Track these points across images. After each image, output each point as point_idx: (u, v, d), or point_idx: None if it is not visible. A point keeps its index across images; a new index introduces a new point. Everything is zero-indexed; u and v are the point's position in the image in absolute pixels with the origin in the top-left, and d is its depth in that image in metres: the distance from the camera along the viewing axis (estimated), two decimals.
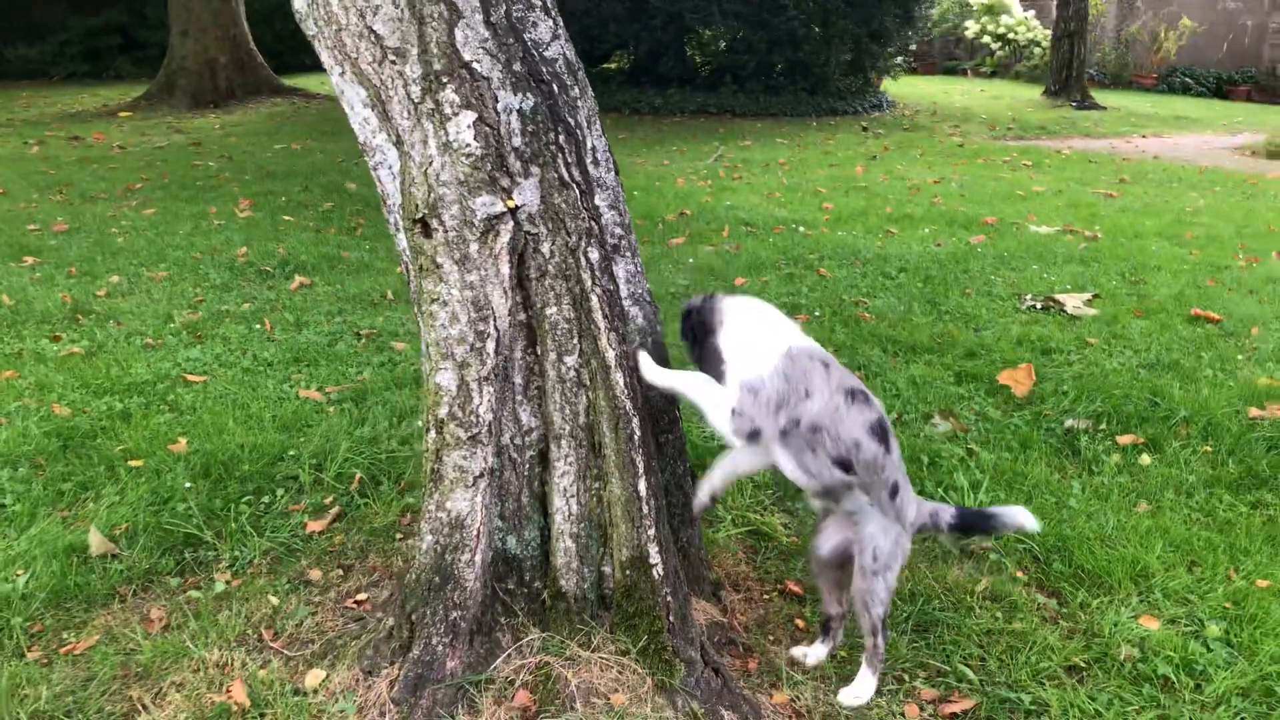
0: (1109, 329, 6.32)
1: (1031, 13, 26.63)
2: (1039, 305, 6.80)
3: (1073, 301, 6.80)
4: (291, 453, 4.33)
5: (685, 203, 10.02)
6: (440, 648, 2.76)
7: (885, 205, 10.11)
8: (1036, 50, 25.73)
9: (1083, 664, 3.11)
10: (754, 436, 2.72)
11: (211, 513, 3.81)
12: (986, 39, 26.97)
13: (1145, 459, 4.49)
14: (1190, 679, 3.03)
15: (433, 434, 2.77)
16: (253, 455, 4.27)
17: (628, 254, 2.94)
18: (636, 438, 2.78)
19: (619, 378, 2.75)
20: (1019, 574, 3.60)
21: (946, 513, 2.98)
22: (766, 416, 2.69)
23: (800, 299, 6.91)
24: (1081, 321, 6.48)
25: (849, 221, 9.37)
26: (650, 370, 2.85)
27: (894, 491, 2.82)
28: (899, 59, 20.95)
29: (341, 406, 4.88)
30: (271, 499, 3.96)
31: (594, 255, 2.71)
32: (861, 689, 2.91)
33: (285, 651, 3.03)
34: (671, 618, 2.82)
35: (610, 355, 2.74)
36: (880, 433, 2.76)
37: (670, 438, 3.12)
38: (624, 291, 2.93)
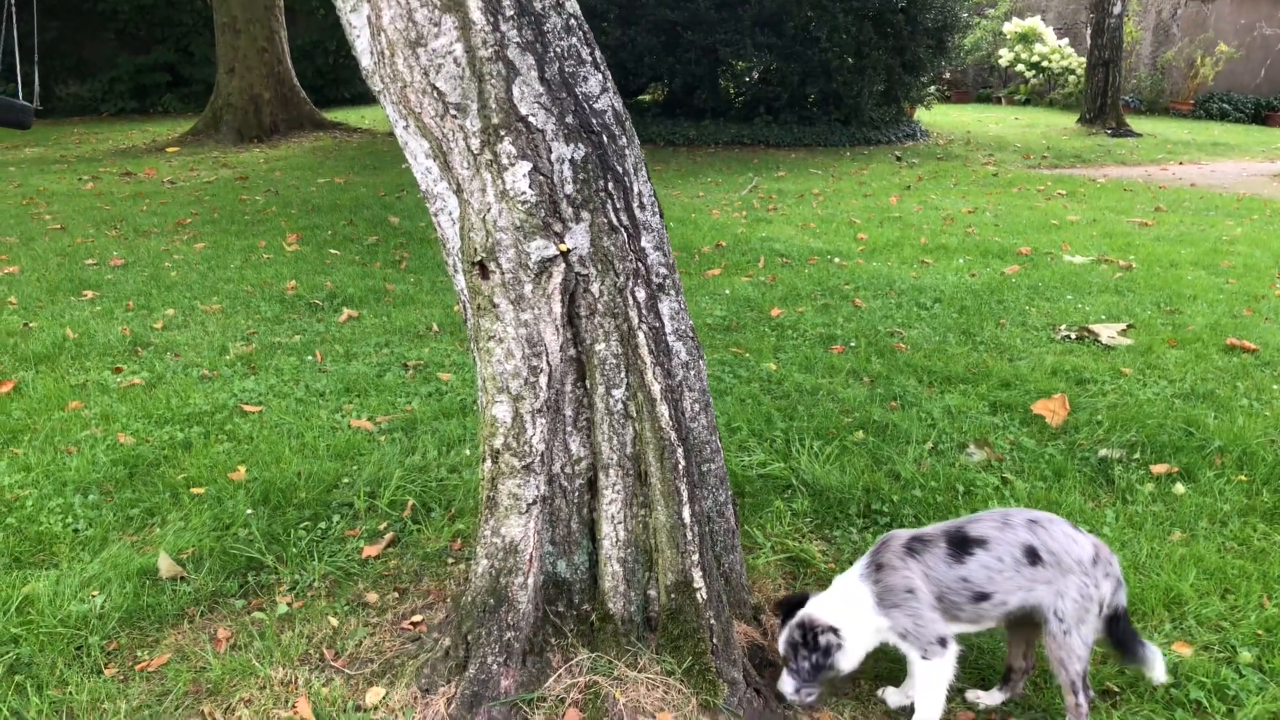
0: (1143, 359, 6.38)
1: (1065, 40, 26.69)
2: (1073, 335, 6.87)
3: (1107, 332, 6.87)
4: (346, 480, 4.51)
5: (721, 234, 10.18)
6: (495, 667, 2.91)
7: (920, 235, 10.21)
8: (1071, 78, 25.77)
9: (1116, 688, 3.19)
10: (944, 642, 2.91)
11: (271, 538, 3.99)
12: (1020, 67, 27.04)
13: (1179, 488, 4.56)
14: (1222, 704, 3.10)
15: (488, 463, 2.93)
16: (309, 483, 4.45)
17: (672, 292, 3.09)
18: (681, 467, 2.92)
19: (664, 410, 2.90)
20: None
21: (1122, 598, 2.98)
22: (928, 629, 2.89)
23: (836, 329, 7.03)
24: (1116, 351, 6.55)
25: (884, 252, 9.49)
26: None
27: (1031, 557, 2.87)
28: (932, 88, 21.07)
29: (392, 436, 5.06)
30: (328, 525, 4.13)
31: (640, 294, 2.87)
32: (994, 695, 3.04)
33: (346, 670, 3.18)
34: (715, 639, 2.95)
35: (655, 389, 2.89)
36: (960, 548, 2.91)
37: (712, 467, 3.26)
38: (669, 328, 3.07)
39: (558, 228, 2.79)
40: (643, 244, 2.97)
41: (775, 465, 4.74)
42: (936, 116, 22.71)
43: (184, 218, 11.40)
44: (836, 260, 9.11)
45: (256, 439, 5.02)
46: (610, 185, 2.83)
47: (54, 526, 4.06)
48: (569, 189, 2.79)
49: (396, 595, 3.62)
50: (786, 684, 2.98)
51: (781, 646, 3.01)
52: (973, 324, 7.14)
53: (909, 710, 3.01)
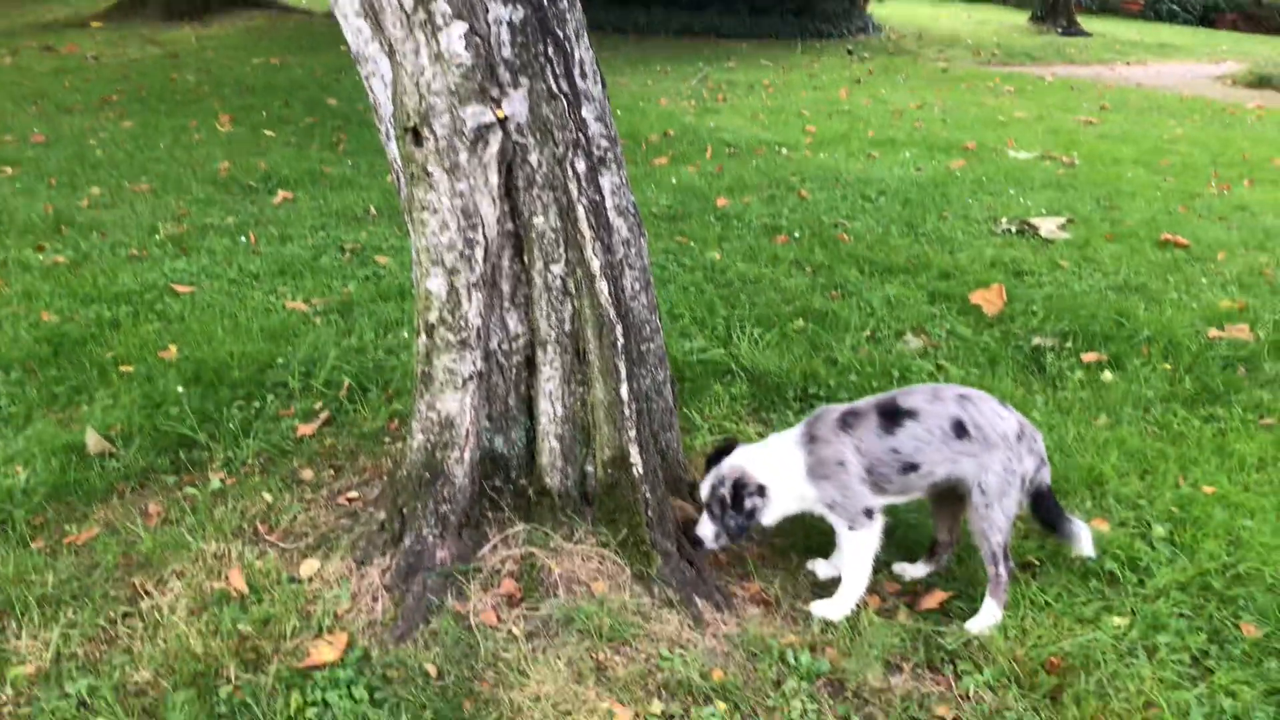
0: (1080, 252, 6.46)
1: None
2: (1014, 229, 6.93)
3: (1047, 226, 6.93)
4: (280, 361, 4.43)
5: (669, 123, 10.02)
6: (430, 539, 2.92)
7: (868, 129, 10.16)
8: None
9: (1037, 561, 3.30)
10: (870, 513, 2.98)
11: (204, 416, 3.93)
12: None
13: (1107, 375, 4.67)
14: (1134, 575, 3.23)
15: (423, 338, 2.88)
16: (242, 363, 4.38)
17: (613, 166, 3.03)
18: (620, 344, 2.90)
19: (603, 286, 2.86)
20: None
21: (1046, 476, 3.06)
22: (857, 501, 2.96)
23: (781, 220, 7.00)
24: (1054, 245, 6.62)
25: (831, 144, 9.43)
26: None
27: (958, 430, 2.93)
28: None
29: (328, 318, 4.98)
30: (262, 404, 4.08)
31: (580, 166, 2.81)
32: (987, 617, 2.98)
33: (281, 544, 3.18)
34: (650, 513, 2.98)
35: (595, 265, 2.85)
36: (891, 419, 2.95)
37: (652, 346, 3.25)
38: (610, 203, 3.02)
39: (495, 93, 2.70)
40: (583, 114, 2.89)
41: (716, 351, 4.75)
42: (891, 10, 22.39)
43: (110, 95, 10.93)
44: (784, 151, 9.04)
45: (188, 319, 4.91)
46: (550, 50, 2.74)
47: None
48: (506, 52, 2.69)
49: (332, 472, 3.60)
50: (706, 530, 3.03)
51: (705, 492, 3.05)
52: (916, 216, 7.16)
53: (838, 581, 3.09)
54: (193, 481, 3.54)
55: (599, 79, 2.98)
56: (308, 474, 3.59)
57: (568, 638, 2.78)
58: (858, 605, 3.01)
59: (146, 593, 2.97)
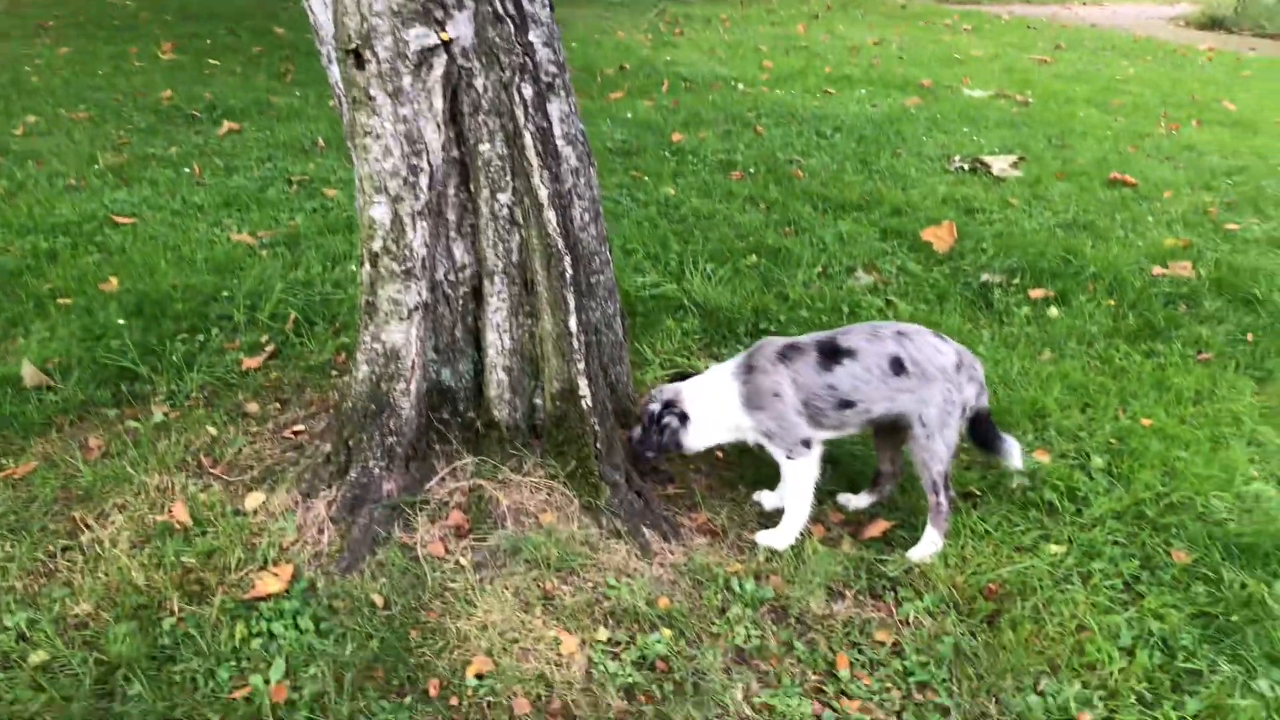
0: (1031, 190, 6.50)
1: None
2: (966, 167, 6.95)
3: (999, 164, 6.95)
4: (225, 294, 4.35)
5: (625, 57, 9.87)
6: (377, 471, 2.90)
7: (824, 65, 10.08)
8: None
9: (978, 491, 3.36)
10: (808, 444, 3.01)
11: (146, 349, 3.85)
12: None
13: (1053, 311, 4.72)
14: (1072, 505, 3.30)
15: (367, 268, 2.84)
16: (186, 295, 4.29)
17: (562, 93, 2.98)
18: (568, 276, 2.87)
19: (551, 216, 2.82)
20: None
21: (984, 401, 3.11)
22: (792, 433, 2.99)
23: (736, 155, 6.96)
24: (1006, 183, 6.65)
25: (788, 81, 9.35)
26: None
27: (896, 367, 2.96)
28: None
29: (274, 250, 4.89)
30: (206, 337, 4.01)
31: (527, 91, 2.75)
32: (928, 545, 3.03)
33: (225, 477, 3.14)
34: (599, 445, 2.99)
35: (543, 194, 2.81)
36: (830, 357, 2.98)
37: (601, 278, 3.23)
38: (558, 131, 2.97)
39: (439, 14, 2.63)
40: (530, 38, 2.82)
41: (668, 286, 4.73)
42: None
43: (45, 20, 10.52)
44: (740, 87, 8.95)
45: (129, 251, 4.79)
46: None
47: None
48: None
49: (278, 406, 3.56)
50: (636, 433, 3.12)
51: (642, 407, 3.12)
52: (870, 153, 7.15)
53: (783, 512, 3.13)
54: (135, 415, 3.48)
55: (547, 2, 2.91)
56: (253, 407, 3.54)
57: (515, 568, 2.80)
58: (801, 534, 3.05)
59: (87, 526, 2.92)
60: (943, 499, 3.03)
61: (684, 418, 3.02)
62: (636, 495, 3.04)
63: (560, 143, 3.00)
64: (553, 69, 2.94)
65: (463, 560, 2.81)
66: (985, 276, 5.06)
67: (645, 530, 2.98)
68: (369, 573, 2.76)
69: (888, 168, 6.85)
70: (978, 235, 5.57)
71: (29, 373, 3.57)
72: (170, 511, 2.94)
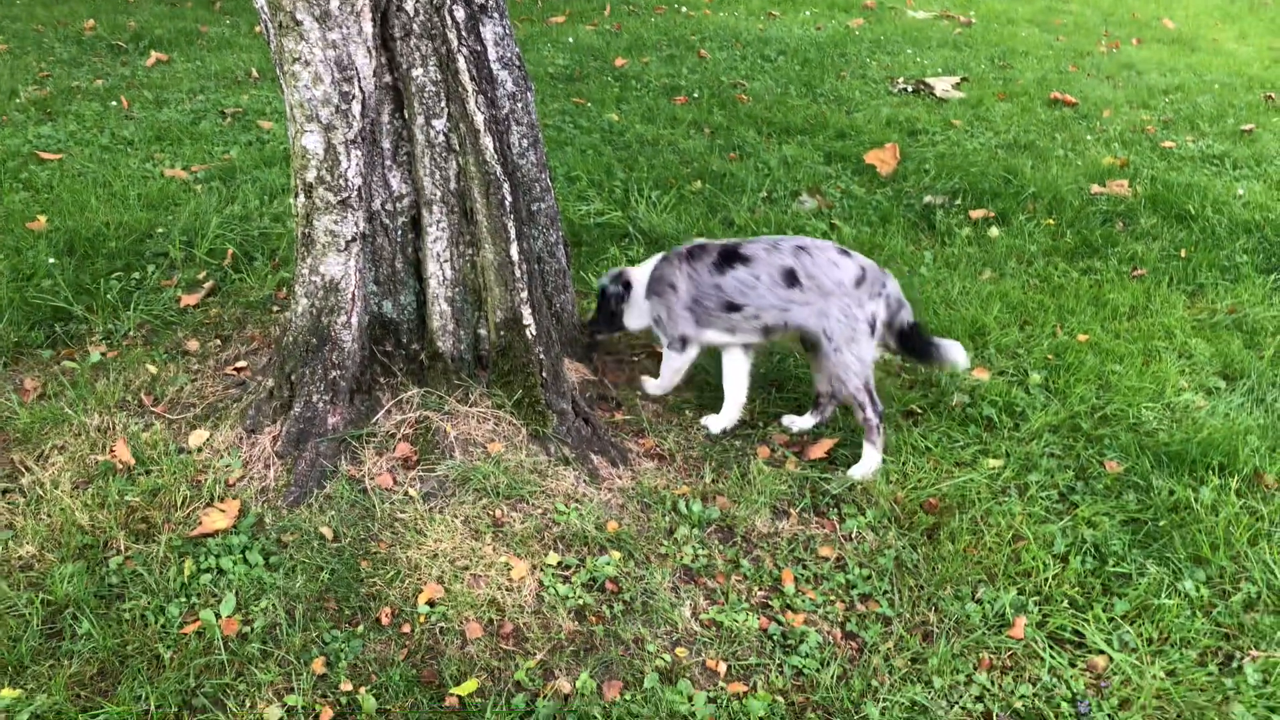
0: (973, 111, 6.52)
1: None
2: (910, 89, 6.94)
3: (942, 85, 6.96)
4: (160, 230, 4.25)
5: None
6: (321, 405, 2.88)
7: None
8: None
9: (919, 409, 3.43)
10: (685, 341, 3.23)
11: (80, 288, 3.76)
12: None
13: (994, 231, 4.78)
14: (1011, 419, 3.39)
15: (302, 199, 2.78)
16: (119, 232, 4.19)
17: (495, 15, 2.92)
18: (508, 203, 2.85)
19: (488, 142, 2.79)
20: None
21: (907, 315, 3.18)
22: (675, 328, 3.21)
23: (680, 80, 6.88)
24: (949, 104, 6.67)
25: (731, 3, 9.22)
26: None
27: (789, 279, 3.04)
28: None
29: (209, 185, 4.77)
30: (142, 275, 3.92)
31: (460, 14, 2.69)
32: (868, 463, 3.10)
33: (167, 415, 3.11)
34: (544, 374, 2.99)
35: (479, 119, 2.76)
36: (726, 261, 3.12)
37: (543, 206, 3.20)
38: (493, 55, 2.92)
39: None
40: None
41: (613, 214, 4.72)
42: None
43: None
44: (684, 10, 8.82)
45: (57, 188, 4.65)
46: None
47: None
48: None
49: (219, 342, 3.51)
50: (590, 316, 3.43)
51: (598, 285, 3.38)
52: (814, 76, 7.11)
53: (727, 434, 3.19)
54: (71, 355, 3.42)
55: None
56: (193, 344, 3.49)
57: (464, 497, 2.81)
58: (747, 455, 3.11)
59: (26, 469, 2.88)
60: (870, 414, 3.08)
61: (628, 285, 3.24)
62: (584, 422, 3.06)
63: (496, 66, 2.95)
64: None
65: (411, 491, 2.82)
66: (928, 198, 5.10)
67: (593, 456, 3.01)
68: (317, 506, 2.76)
69: (831, 91, 6.83)
70: (920, 157, 5.60)
71: None
72: (112, 451, 2.90)
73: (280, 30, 2.62)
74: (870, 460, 3.10)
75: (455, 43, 2.70)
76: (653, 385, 3.38)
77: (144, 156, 5.12)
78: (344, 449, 2.89)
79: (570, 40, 7.65)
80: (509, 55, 2.99)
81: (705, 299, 3.11)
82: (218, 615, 2.44)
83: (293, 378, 2.91)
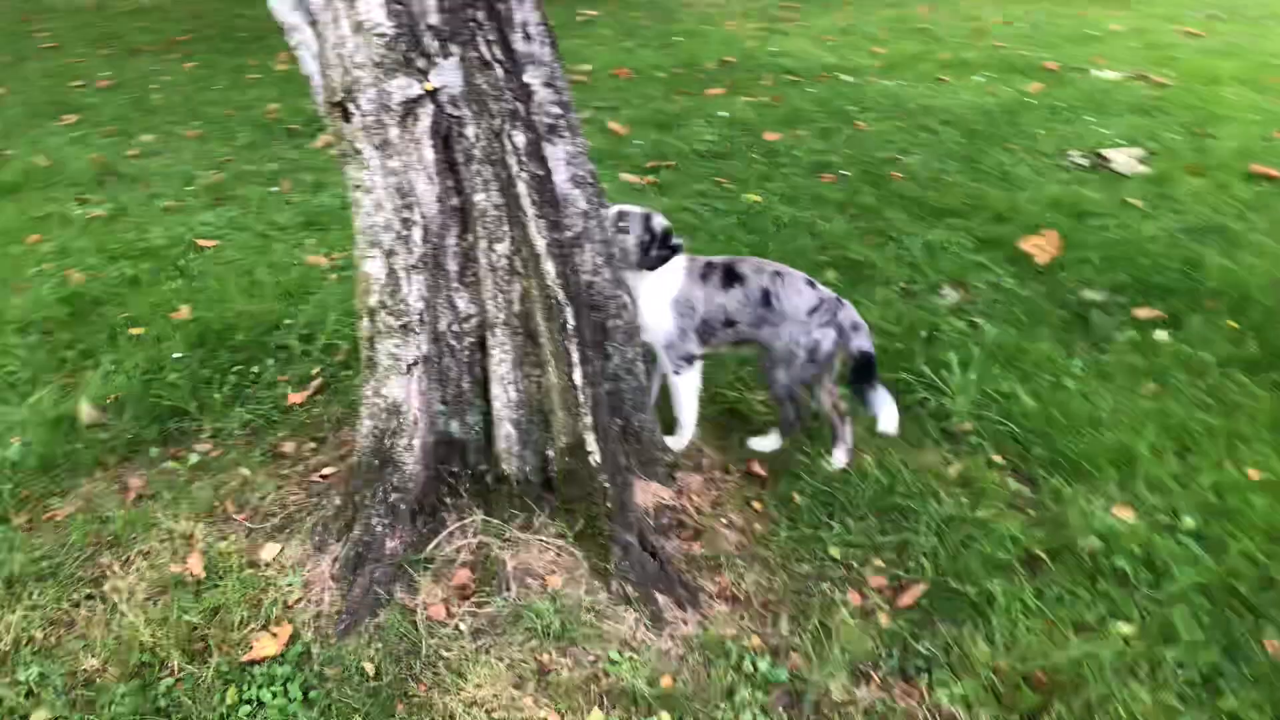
0: (1156, 189, 5.95)
1: None
2: (1085, 163, 6.43)
3: (1122, 158, 6.41)
4: (288, 321, 4.38)
5: (730, 49, 9.59)
6: (379, 528, 2.83)
7: (942, 50, 9.54)
8: None
9: (1042, 555, 3.05)
10: (690, 360, 3.42)
11: (201, 382, 3.90)
12: None
13: (1162, 335, 4.29)
14: (1151, 574, 2.96)
15: (366, 322, 2.76)
16: (249, 324, 4.34)
17: (567, 134, 2.82)
18: (570, 327, 2.72)
19: (550, 267, 2.68)
20: (997, 458, 3.52)
21: (861, 342, 3.38)
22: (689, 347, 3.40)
23: (832, 155, 6.64)
24: (1129, 180, 6.12)
25: (899, 69, 8.88)
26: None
27: (764, 300, 3.32)
28: None
29: (344, 273, 4.90)
30: (261, 369, 4.04)
31: (519, 139, 2.60)
32: (769, 441, 3.54)
33: (248, 524, 3.14)
34: (609, 503, 2.83)
35: (540, 244, 2.66)
36: (727, 280, 3.35)
37: (619, 322, 3.07)
38: (563, 175, 2.82)
39: (421, 64, 2.51)
40: (526, 80, 2.68)
41: None
42: None
43: (178, 35, 10.99)
44: (847, 78, 8.56)
45: (208, 276, 4.90)
46: (481, 15, 2.53)
47: None
48: (433, 19, 2.50)
49: (313, 446, 3.54)
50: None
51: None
52: (978, 149, 6.70)
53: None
54: (178, 454, 3.53)
55: (547, 40, 2.75)
56: (289, 447, 3.54)
57: (514, 637, 2.68)
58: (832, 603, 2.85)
59: (113, 573, 2.97)
60: (788, 411, 3.46)
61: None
62: (650, 556, 2.87)
63: (567, 186, 2.84)
64: (555, 110, 2.78)
65: (462, 626, 2.71)
66: (1087, 293, 4.64)
67: (659, 596, 2.81)
68: (366, 637, 2.69)
69: (996, 166, 6.40)
70: (1086, 244, 5.13)
71: (85, 411, 3.66)
72: (186, 563, 2.94)
73: (343, 159, 2.62)
74: (772, 440, 3.53)
75: (515, 168, 2.61)
76: (681, 437, 3.45)
77: (293, 242, 5.33)
78: (401, 574, 2.82)
79: (724, 114, 7.54)
80: (582, 174, 2.88)
81: (712, 318, 3.34)
82: None
83: (355, 498, 2.88)
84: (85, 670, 2.65)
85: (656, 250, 3.24)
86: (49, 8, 12.70)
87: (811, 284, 3.38)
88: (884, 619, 2.83)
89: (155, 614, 2.78)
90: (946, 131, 7.10)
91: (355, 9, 2.44)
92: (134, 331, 4.31)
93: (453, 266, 2.78)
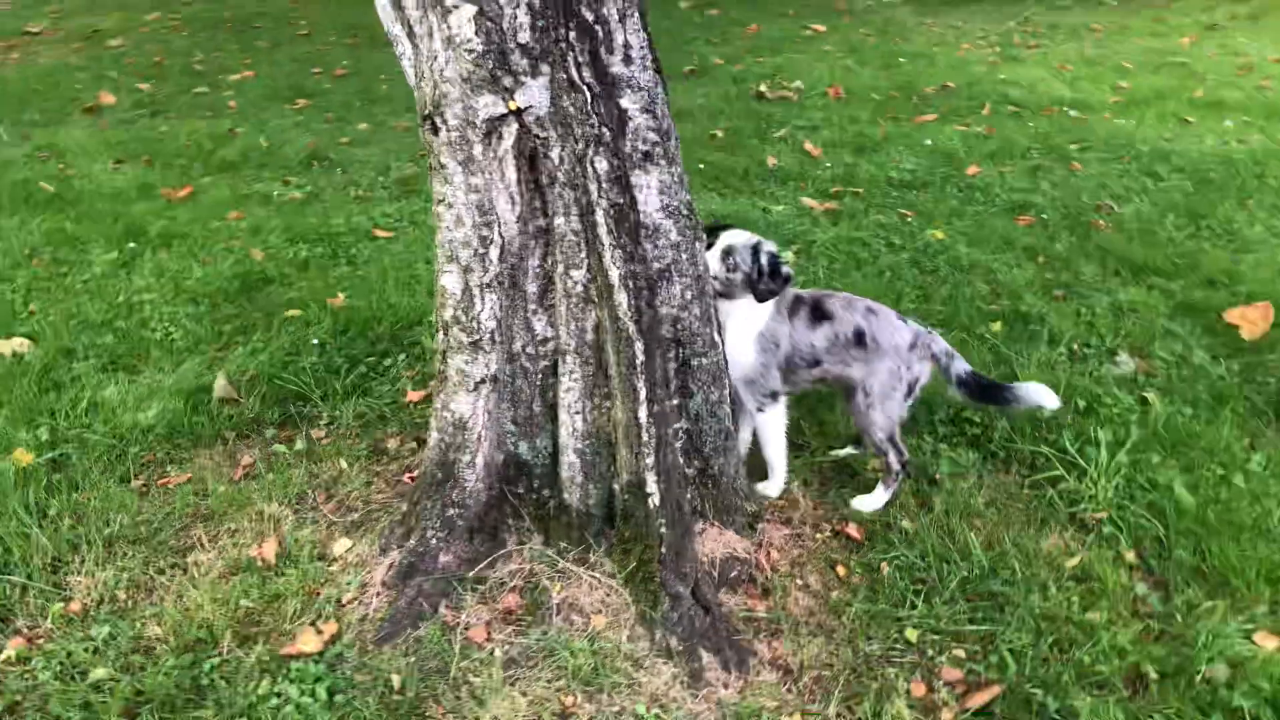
0: None
1: None
2: None
3: None
4: (430, 319, 4.49)
5: (954, 75, 9.11)
6: (434, 541, 2.83)
7: (1197, 87, 8.67)
8: None
9: (1151, 674, 2.67)
10: (774, 397, 3.25)
11: (331, 370, 4.06)
12: None
13: None
14: (1276, 716, 2.53)
15: (440, 335, 2.77)
16: (393, 318, 4.48)
17: (662, 162, 2.70)
18: (638, 362, 2.62)
19: (622, 298, 2.58)
20: (1129, 555, 3.12)
21: (960, 366, 3.31)
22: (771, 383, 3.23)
23: (1034, 196, 6.16)
24: None
25: (1141, 106, 8.14)
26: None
27: (858, 339, 3.19)
28: None
29: None
30: (392, 362, 4.16)
31: (601, 166, 2.52)
32: (875, 500, 3.28)
33: (331, 516, 3.22)
34: (664, 549, 2.71)
35: (614, 274, 2.57)
36: (814, 317, 3.23)
37: (705, 361, 2.92)
38: (655, 204, 2.70)
39: (507, 82, 2.47)
40: (623, 105, 2.59)
41: None
42: None
43: None
44: (1075, 113, 7.93)
45: (371, 265, 5.11)
46: (573, 35, 2.46)
47: (154, 335, 4.35)
48: (524, 37, 2.45)
49: (414, 446, 3.59)
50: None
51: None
52: (1208, 202, 6.02)
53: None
54: (289, 439, 3.67)
55: (649, 64, 2.64)
56: (392, 444, 3.62)
57: (543, 672, 2.60)
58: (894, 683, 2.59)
59: (201, 545, 3.12)
60: (892, 459, 3.25)
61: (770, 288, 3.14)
62: (703, 611, 2.72)
63: (659, 217, 2.72)
64: (652, 137, 2.67)
65: (497, 652, 2.66)
66: None
67: (704, 653, 2.66)
68: (404, 647, 2.69)
69: (1223, 223, 5.73)
70: None
71: (220, 386, 3.88)
72: (261, 547, 3.05)
73: (430, 171, 2.63)
74: (878, 498, 3.27)
75: (595, 194, 2.53)
76: (774, 482, 3.31)
77: None
78: (450, 590, 2.80)
79: (928, 142, 7.16)
80: (675, 204, 2.76)
81: (796, 355, 3.19)
82: None
83: (418, 508, 2.89)
84: (148, 637, 2.78)
85: (765, 285, 3.08)
86: None
87: (903, 319, 3.29)
88: (946, 717, 2.55)
89: (222, 593, 2.89)
90: (1174, 180, 6.44)
91: (447, 23, 2.43)
92: (290, 313, 4.55)
93: (532, 288, 2.74)
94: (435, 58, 2.49)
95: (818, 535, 3.20)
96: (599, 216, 2.54)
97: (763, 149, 7.14)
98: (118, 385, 3.93)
